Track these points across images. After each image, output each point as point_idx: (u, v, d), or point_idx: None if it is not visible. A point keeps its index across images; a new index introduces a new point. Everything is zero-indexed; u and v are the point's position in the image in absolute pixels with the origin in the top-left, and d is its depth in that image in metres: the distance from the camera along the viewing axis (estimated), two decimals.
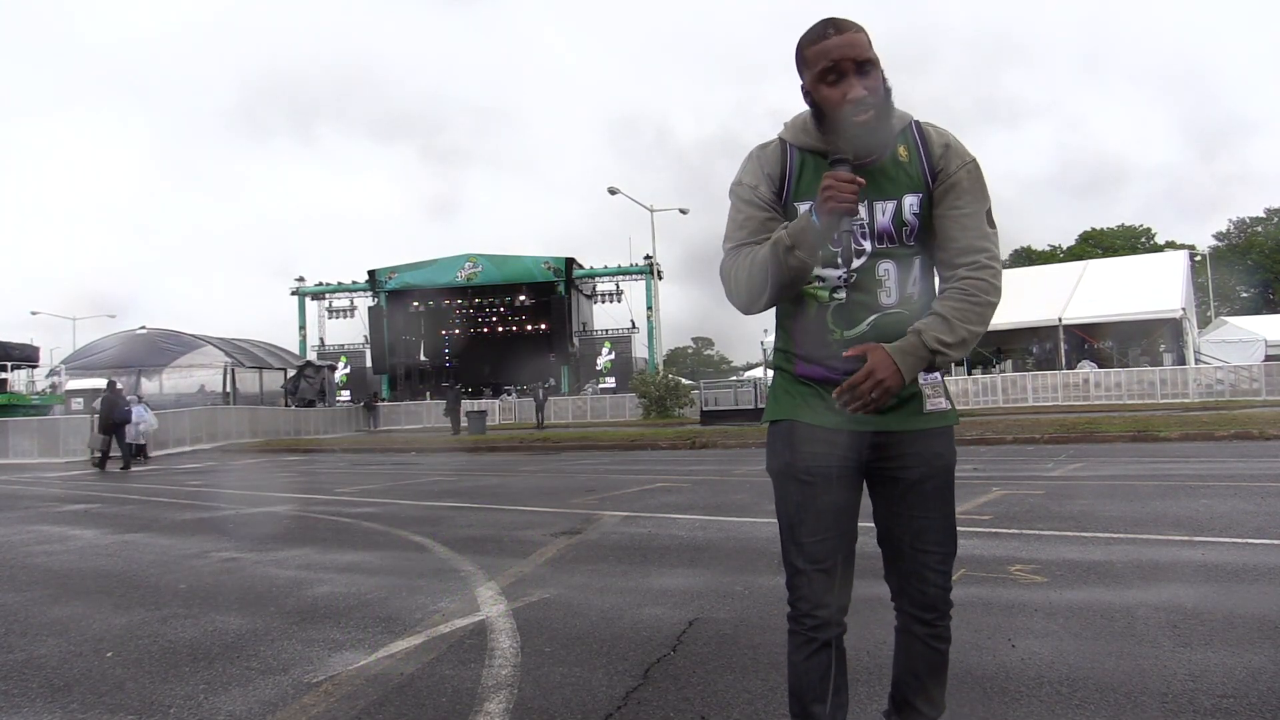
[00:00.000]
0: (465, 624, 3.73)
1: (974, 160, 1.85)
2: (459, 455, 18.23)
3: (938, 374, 1.88)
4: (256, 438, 26.39)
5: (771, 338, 2.04)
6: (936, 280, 1.91)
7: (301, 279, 46.68)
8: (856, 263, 1.82)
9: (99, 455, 17.50)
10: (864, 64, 1.73)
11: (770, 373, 2.08)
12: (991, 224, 1.84)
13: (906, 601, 1.92)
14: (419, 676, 3.06)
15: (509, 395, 38.93)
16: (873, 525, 1.96)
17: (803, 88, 1.83)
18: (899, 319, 1.81)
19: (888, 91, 1.79)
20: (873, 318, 1.82)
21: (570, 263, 43.02)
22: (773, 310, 1.94)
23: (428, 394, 41.36)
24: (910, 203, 1.82)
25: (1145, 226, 65.41)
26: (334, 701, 2.84)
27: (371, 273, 45.29)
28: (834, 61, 1.73)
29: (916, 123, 1.87)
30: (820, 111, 1.80)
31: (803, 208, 1.79)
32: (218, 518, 8.25)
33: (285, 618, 4.01)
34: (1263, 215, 63.33)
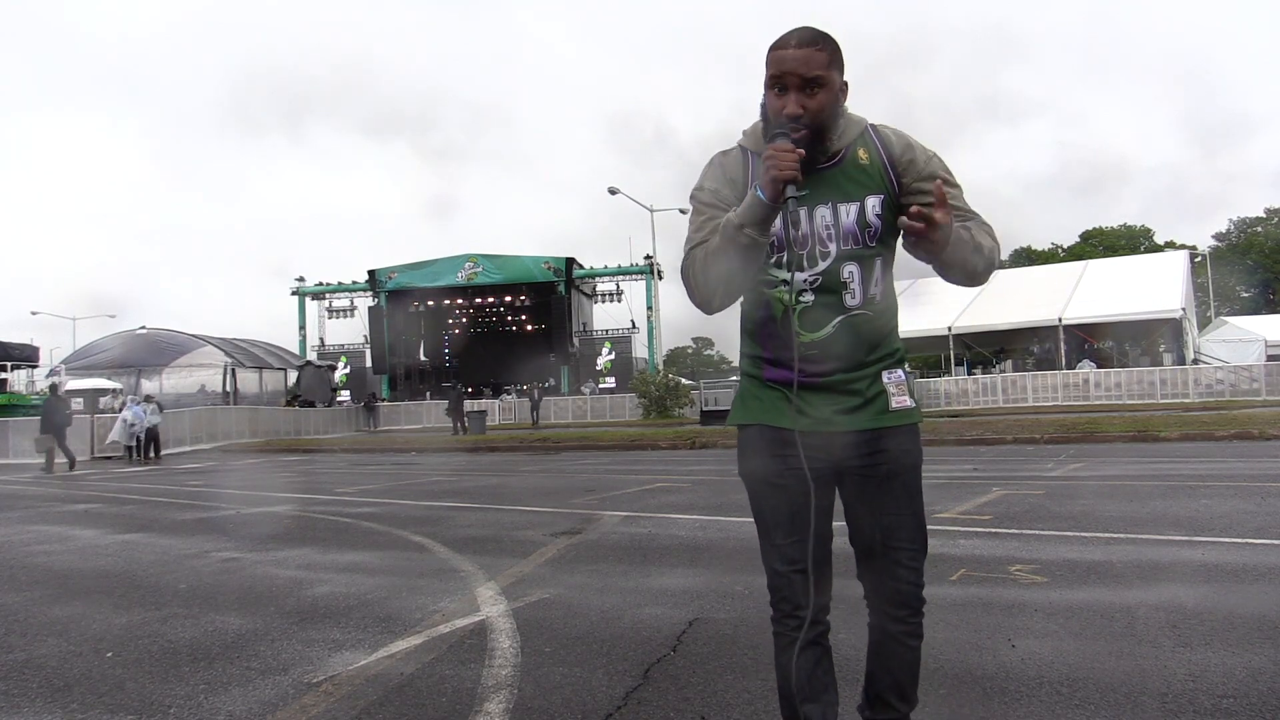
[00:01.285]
0: (465, 624, 3.73)
1: (936, 154, 1.89)
2: (459, 455, 18.24)
3: (901, 373, 1.92)
4: (256, 438, 26.39)
5: None
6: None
7: (301, 279, 46.61)
8: (822, 265, 1.85)
9: (61, 455, 17.54)
10: (810, 82, 1.75)
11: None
12: (970, 211, 1.90)
13: (879, 599, 1.93)
14: (419, 676, 3.06)
15: (509, 395, 38.94)
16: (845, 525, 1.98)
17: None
18: (865, 319, 1.86)
19: (834, 113, 1.81)
20: (839, 319, 1.85)
21: (570, 263, 42.97)
22: (740, 317, 1.97)
23: (428, 394, 41.34)
24: (873, 204, 1.84)
25: (1145, 227, 65.48)
26: (334, 701, 2.84)
27: (371, 273, 45.23)
28: (780, 73, 1.76)
29: (872, 125, 1.90)
30: (766, 115, 1.82)
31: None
32: (218, 518, 8.26)
33: (285, 618, 4.01)
34: (1263, 215, 63.38)
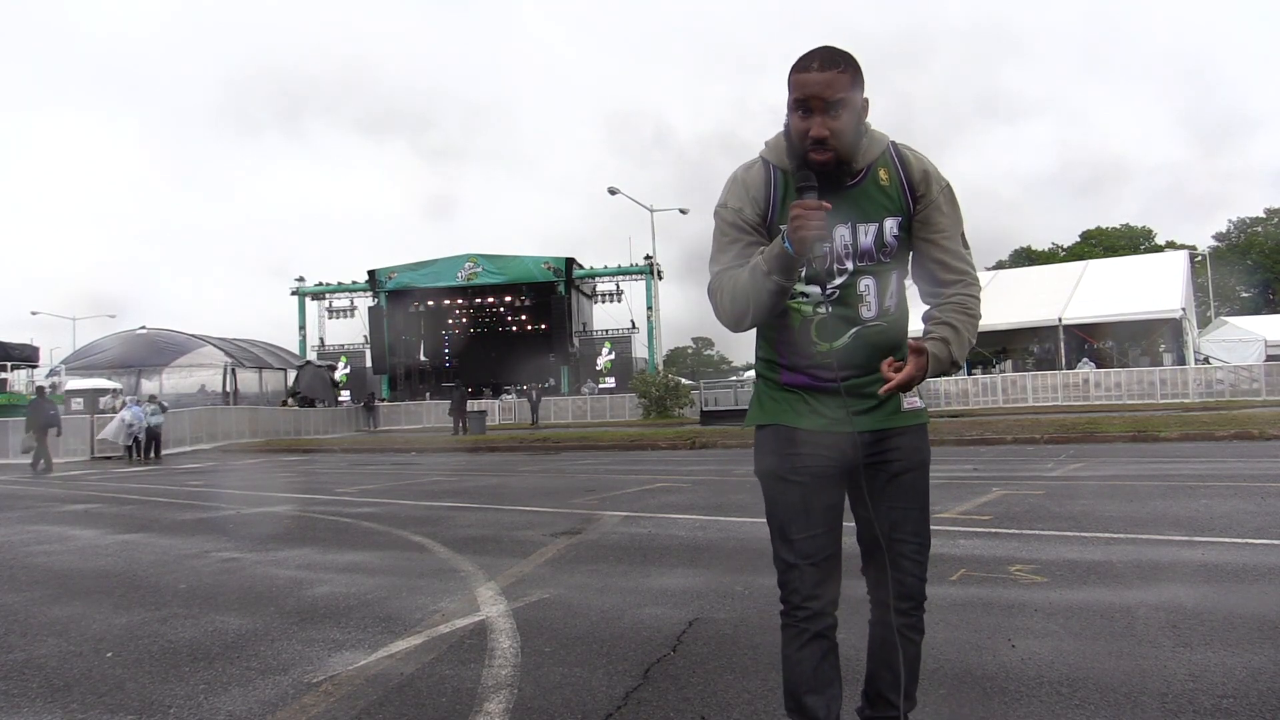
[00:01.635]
0: (465, 624, 3.73)
1: (949, 184, 1.95)
2: (459, 455, 18.23)
3: None
4: (256, 438, 26.38)
5: None
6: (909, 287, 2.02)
7: (301, 279, 46.58)
8: (839, 280, 1.90)
9: (33, 457, 17.32)
10: (834, 105, 1.76)
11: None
12: (966, 245, 1.97)
13: (884, 592, 1.97)
14: (419, 676, 3.06)
15: (509, 395, 38.95)
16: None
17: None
18: (879, 330, 1.92)
19: (859, 133, 1.84)
20: (854, 330, 1.91)
21: (570, 263, 42.96)
22: None
23: (428, 394, 41.34)
24: (890, 225, 1.90)
25: (1145, 227, 65.48)
26: (334, 701, 2.84)
27: (371, 273, 45.22)
28: (805, 96, 1.78)
29: (894, 144, 1.93)
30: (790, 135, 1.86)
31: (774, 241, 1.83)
32: (218, 518, 8.26)
33: (285, 618, 4.01)
34: (1263, 215, 63.38)
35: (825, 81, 1.76)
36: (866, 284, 1.90)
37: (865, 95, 1.84)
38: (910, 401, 1.95)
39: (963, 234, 1.96)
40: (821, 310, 1.90)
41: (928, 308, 1.96)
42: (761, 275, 1.79)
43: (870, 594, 2.01)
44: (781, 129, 1.90)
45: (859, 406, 1.92)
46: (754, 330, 2.02)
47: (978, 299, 1.94)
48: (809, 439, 1.92)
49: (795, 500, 1.93)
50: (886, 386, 1.78)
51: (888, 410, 1.93)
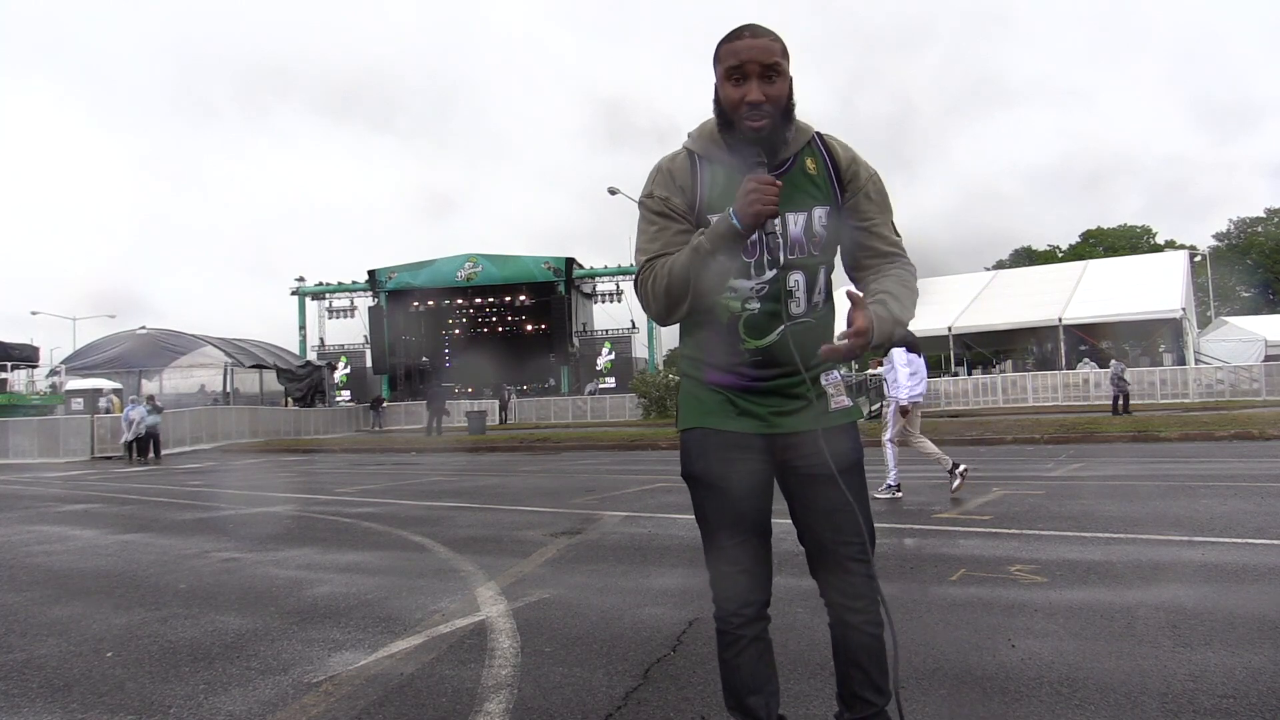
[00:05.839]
0: (465, 624, 3.73)
1: (876, 173, 1.94)
2: (459, 455, 18.24)
3: (837, 374, 1.98)
4: (256, 438, 26.40)
5: None
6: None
7: (301, 279, 46.56)
8: (768, 274, 1.87)
9: None
10: (769, 69, 1.76)
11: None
12: (896, 233, 1.96)
13: (834, 593, 1.95)
14: (419, 676, 3.06)
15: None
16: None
17: (715, 92, 1.85)
18: (808, 327, 1.89)
19: (790, 104, 1.82)
20: (782, 327, 1.88)
21: (570, 262, 42.96)
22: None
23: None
24: (819, 215, 1.88)
25: (1145, 227, 65.55)
26: (334, 701, 2.84)
27: (371, 273, 45.22)
28: (740, 62, 1.76)
29: (819, 134, 1.92)
30: (723, 112, 1.83)
31: (715, 219, 1.78)
32: (218, 518, 8.26)
33: (285, 618, 4.01)
34: (1263, 215, 63.42)
35: (761, 46, 1.76)
36: (796, 279, 1.88)
37: (792, 75, 1.83)
38: (838, 401, 1.93)
39: (892, 223, 1.95)
40: (750, 306, 1.86)
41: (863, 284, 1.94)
42: (704, 254, 1.74)
43: (823, 596, 1.98)
44: (708, 121, 1.89)
45: (787, 407, 1.90)
46: (678, 327, 1.99)
47: (913, 274, 1.93)
48: (736, 442, 1.89)
49: (721, 506, 1.90)
50: (837, 344, 1.72)
51: (816, 411, 1.89)
